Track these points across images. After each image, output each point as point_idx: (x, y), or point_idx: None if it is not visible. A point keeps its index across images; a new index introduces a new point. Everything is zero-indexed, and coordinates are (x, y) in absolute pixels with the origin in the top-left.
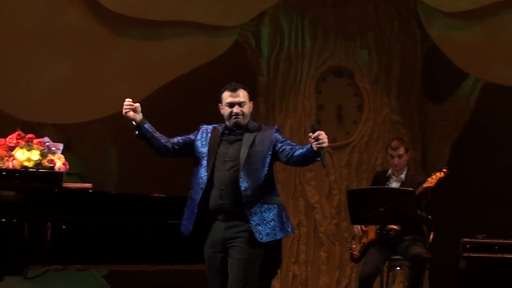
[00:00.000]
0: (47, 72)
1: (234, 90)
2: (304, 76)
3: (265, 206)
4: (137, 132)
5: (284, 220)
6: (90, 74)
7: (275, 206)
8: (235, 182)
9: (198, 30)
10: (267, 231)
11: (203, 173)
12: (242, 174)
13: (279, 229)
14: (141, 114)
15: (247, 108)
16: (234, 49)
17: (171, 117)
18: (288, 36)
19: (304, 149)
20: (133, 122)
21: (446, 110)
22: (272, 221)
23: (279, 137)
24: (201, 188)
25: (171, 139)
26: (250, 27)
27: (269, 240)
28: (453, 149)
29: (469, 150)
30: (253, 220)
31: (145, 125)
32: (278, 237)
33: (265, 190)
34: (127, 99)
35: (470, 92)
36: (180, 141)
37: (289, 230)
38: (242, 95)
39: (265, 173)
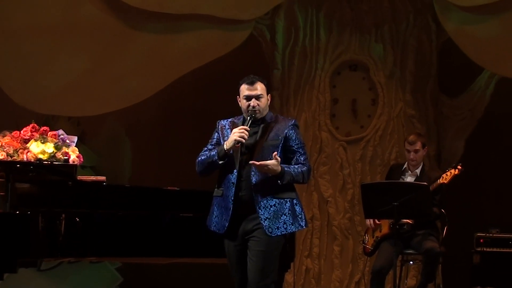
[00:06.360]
0: (63, 66)
1: (251, 83)
2: (319, 70)
3: (276, 200)
4: (221, 162)
5: (297, 214)
6: (106, 67)
7: (288, 200)
8: (250, 174)
9: (213, 24)
10: (277, 225)
11: (232, 168)
12: (254, 167)
13: (290, 223)
14: None
15: (264, 101)
16: (249, 42)
17: (186, 110)
18: (303, 29)
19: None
20: (226, 151)
21: (461, 105)
22: (284, 216)
23: (293, 136)
24: (233, 183)
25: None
26: (265, 21)
27: (279, 234)
28: (468, 143)
29: (483, 145)
30: (262, 214)
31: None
32: (289, 231)
33: (277, 184)
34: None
35: (485, 86)
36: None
37: (302, 224)
38: (259, 88)
39: None
